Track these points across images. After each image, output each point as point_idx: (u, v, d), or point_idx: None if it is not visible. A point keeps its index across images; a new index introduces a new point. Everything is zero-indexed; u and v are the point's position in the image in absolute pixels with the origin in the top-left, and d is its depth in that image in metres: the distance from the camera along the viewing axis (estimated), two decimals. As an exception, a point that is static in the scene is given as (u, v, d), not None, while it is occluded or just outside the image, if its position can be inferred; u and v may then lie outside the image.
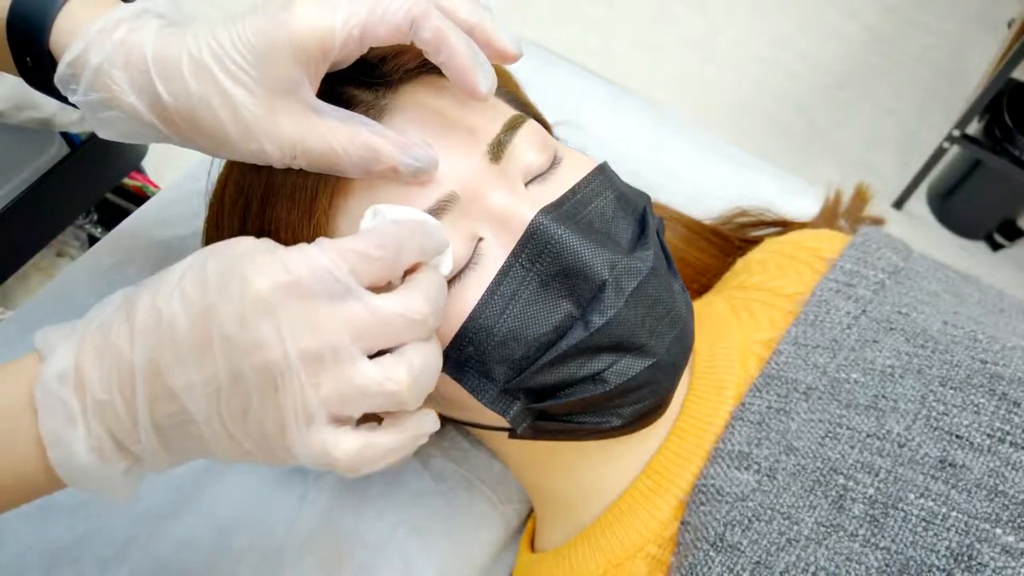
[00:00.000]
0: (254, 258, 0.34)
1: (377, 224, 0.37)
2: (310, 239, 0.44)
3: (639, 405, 0.46)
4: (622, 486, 0.52)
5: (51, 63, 0.42)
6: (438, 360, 0.37)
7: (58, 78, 0.41)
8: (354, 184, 0.44)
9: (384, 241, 0.35)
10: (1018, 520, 0.43)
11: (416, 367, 0.35)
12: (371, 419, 0.37)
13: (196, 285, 0.34)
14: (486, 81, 0.40)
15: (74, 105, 0.43)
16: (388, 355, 0.35)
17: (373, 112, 0.44)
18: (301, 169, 0.42)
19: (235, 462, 0.36)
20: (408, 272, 0.37)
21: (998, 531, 0.43)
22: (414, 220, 0.38)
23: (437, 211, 0.43)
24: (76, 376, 0.34)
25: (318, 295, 0.33)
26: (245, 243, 0.36)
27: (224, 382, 0.33)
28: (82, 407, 0.34)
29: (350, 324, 0.33)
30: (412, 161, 0.41)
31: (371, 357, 0.35)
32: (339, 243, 0.34)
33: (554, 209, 0.44)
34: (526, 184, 0.47)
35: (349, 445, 0.34)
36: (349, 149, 0.40)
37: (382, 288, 0.35)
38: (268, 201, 0.46)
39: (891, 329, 0.52)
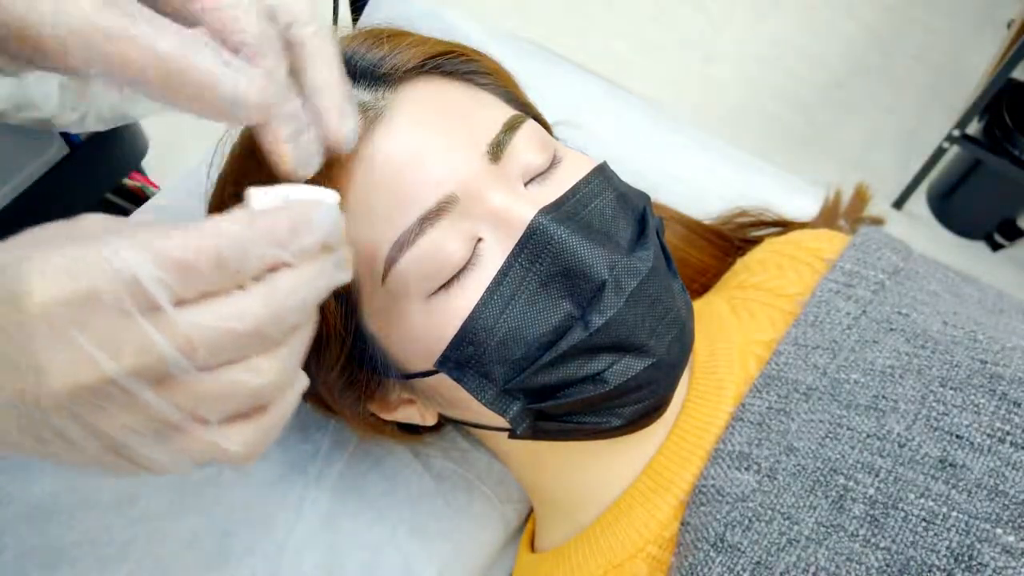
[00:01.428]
0: (48, 257, 0.27)
1: (223, 219, 0.29)
2: None
3: (639, 405, 0.46)
4: (622, 486, 0.52)
5: None
6: (295, 362, 0.31)
7: None
8: None
9: (214, 249, 0.28)
10: (1018, 520, 0.43)
11: (288, 357, 0.30)
12: None
13: None
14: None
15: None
16: (242, 360, 0.29)
17: (371, 114, 0.44)
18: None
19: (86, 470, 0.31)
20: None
21: (998, 531, 0.43)
22: (269, 213, 0.30)
23: (437, 212, 0.43)
24: None
25: (125, 310, 0.27)
26: (83, 221, 0.30)
27: (28, 407, 0.27)
28: None
29: (171, 340, 0.27)
30: (231, 79, 0.31)
31: None
32: (153, 245, 0.27)
33: (554, 209, 0.44)
34: (526, 184, 0.47)
35: (239, 438, 0.30)
36: (161, 50, 0.30)
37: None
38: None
39: (891, 330, 0.52)
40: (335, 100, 0.35)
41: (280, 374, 0.30)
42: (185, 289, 0.27)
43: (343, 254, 0.32)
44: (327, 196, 0.32)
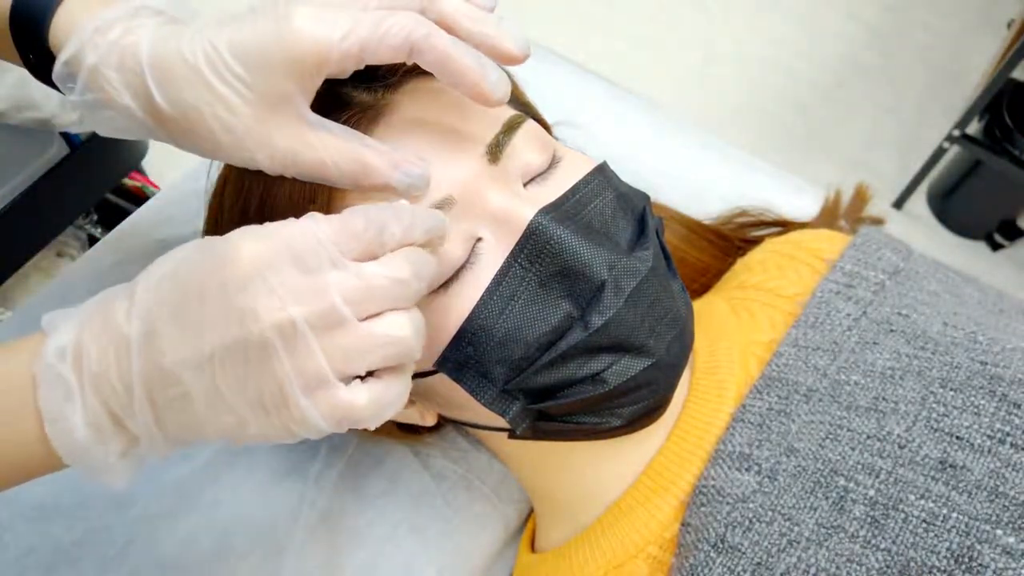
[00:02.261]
0: (244, 231, 0.35)
1: (369, 206, 0.37)
2: None
3: (638, 405, 0.46)
4: (622, 487, 0.52)
5: (53, 59, 0.42)
6: (423, 324, 0.38)
7: (56, 76, 0.41)
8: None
9: (368, 221, 0.36)
10: (1019, 521, 0.43)
11: (417, 320, 0.36)
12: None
13: (193, 258, 0.35)
14: (497, 90, 0.40)
15: None
16: (388, 312, 0.36)
17: (371, 113, 0.44)
18: None
19: (231, 441, 0.36)
20: None
21: (999, 532, 0.43)
22: (404, 206, 0.38)
23: None
24: (75, 352, 0.34)
25: (307, 263, 0.34)
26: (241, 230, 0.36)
27: (218, 355, 0.33)
28: (79, 383, 0.34)
29: (340, 288, 0.34)
30: (403, 177, 0.41)
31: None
32: (327, 217, 0.35)
33: (553, 209, 0.44)
34: (525, 184, 0.47)
35: (368, 395, 0.35)
36: (340, 163, 0.40)
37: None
38: (266, 203, 0.46)
39: (891, 331, 0.52)
40: (491, 27, 0.40)
41: (413, 332, 0.36)
42: (348, 250, 0.35)
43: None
44: (440, 214, 0.41)
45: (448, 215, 0.43)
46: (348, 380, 0.35)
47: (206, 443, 0.37)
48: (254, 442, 0.36)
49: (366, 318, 0.35)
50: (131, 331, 0.34)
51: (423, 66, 0.39)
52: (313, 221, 0.35)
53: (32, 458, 0.36)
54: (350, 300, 0.34)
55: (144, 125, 0.41)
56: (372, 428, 0.36)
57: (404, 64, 0.46)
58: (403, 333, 0.35)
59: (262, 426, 0.35)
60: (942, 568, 0.42)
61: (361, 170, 0.40)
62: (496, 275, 0.43)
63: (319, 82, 0.39)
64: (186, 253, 0.35)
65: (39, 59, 0.43)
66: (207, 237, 0.36)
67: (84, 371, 0.34)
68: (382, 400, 0.36)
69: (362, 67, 0.39)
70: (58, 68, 0.41)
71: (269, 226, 0.35)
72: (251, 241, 0.34)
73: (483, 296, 0.43)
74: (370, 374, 0.37)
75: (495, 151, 0.45)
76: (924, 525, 0.44)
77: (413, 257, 0.37)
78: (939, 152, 1.59)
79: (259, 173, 0.44)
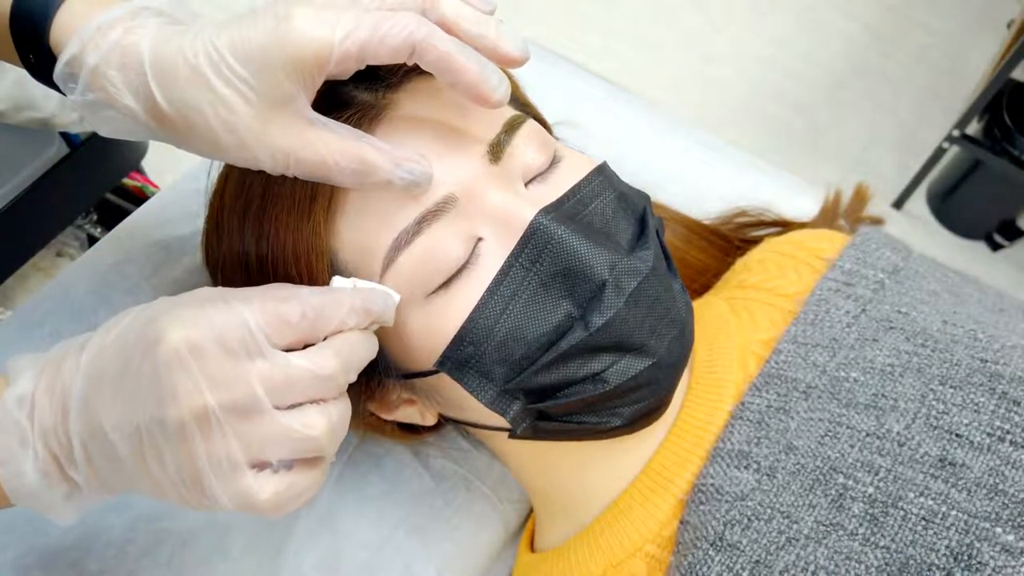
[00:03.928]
0: (180, 311, 0.36)
1: (311, 292, 0.38)
2: (309, 238, 0.45)
3: (639, 405, 0.46)
4: (621, 486, 0.52)
5: (54, 60, 0.42)
6: (348, 413, 0.39)
7: (57, 76, 0.41)
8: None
9: (305, 311, 0.37)
10: (1018, 519, 0.43)
11: (333, 416, 0.37)
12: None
13: (132, 332, 0.36)
14: (497, 92, 0.40)
15: None
16: (308, 405, 0.37)
17: (372, 113, 0.44)
18: None
19: (164, 501, 0.38)
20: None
21: (998, 530, 0.43)
22: (347, 293, 0.39)
23: (435, 212, 0.43)
24: (31, 401, 0.37)
25: (232, 350, 0.35)
26: (200, 292, 0.38)
27: (143, 428, 0.35)
28: (32, 431, 0.37)
29: (262, 378, 0.35)
30: (405, 175, 0.41)
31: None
32: (263, 305, 0.36)
33: (554, 209, 0.44)
34: (526, 184, 0.47)
35: (272, 488, 0.36)
36: (342, 162, 0.40)
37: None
38: (268, 201, 0.46)
39: (891, 328, 0.52)
40: (491, 30, 0.41)
41: (327, 430, 0.36)
42: (280, 339, 0.36)
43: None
44: (389, 291, 0.42)
45: (448, 215, 0.44)
46: (262, 467, 0.36)
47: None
48: (178, 505, 0.38)
49: (290, 406, 0.36)
50: (72, 390, 0.36)
51: (424, 67, 0.39)
52: (247, 308, 0.36)
53: None
54: (271, 389, 0.35)
55: (145, 125, 0.41)
56: (276, 517, 0.38)
57: (405, 64, 0.46)
58: (314, 432, 0.36)
59: (181, 497, 0.37)
60: (941, 566, 0.42)
61: (363, 168, 0.40)
62: (497, 275, 0.44)
63: (320, 82, 0.39)
64: (128, 323, 0.37)
65: (39, 60, 0.43)
66: (146, 311, 0.37)
67: (35, 421, 0.37)
68: (285, 494, 0.36)
69: (363, 67, 0.39)
70: (59, 68, 0.41)
71: (203, 309, 0.36)
72: (180, 326, 0.35)
73: (484, 296, 0.43)
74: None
75: (496, 151, 0.45)
76: (923, 523, 0.44)
77: (343, 348, 0.37)
78: (939, 152, 1.59)
79: (261, 172, 0.44)
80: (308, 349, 0.37)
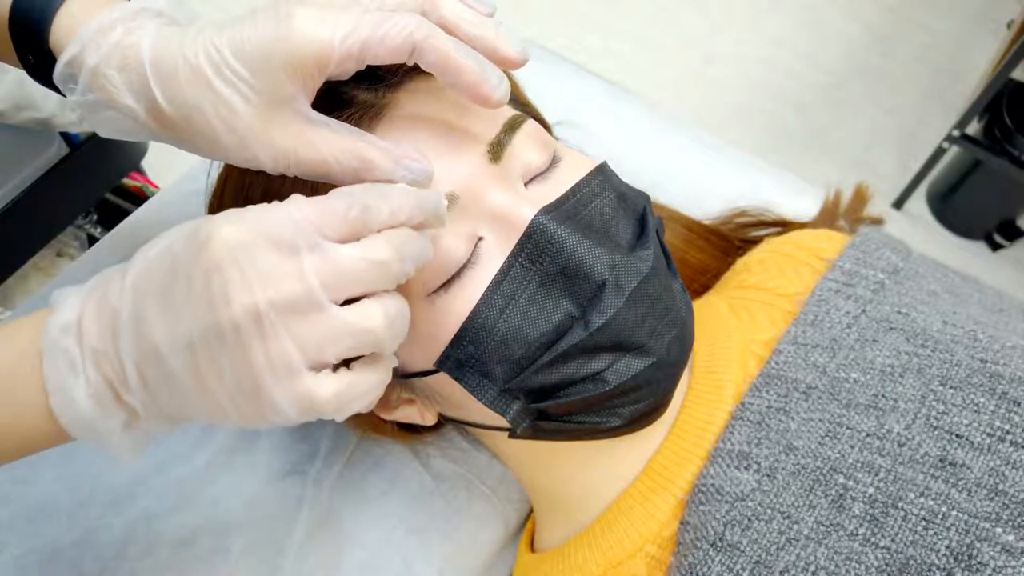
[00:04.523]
0: (225, 214, 0.35)
1: (357, 186, 0.37)
2: None
3: (638, 405, 0.46)
4: (621, 486, 0.52)
5: (53, 60, 0.42)
6: (407, 311, 0.38)
7: (56, 77, 0.41)
8: None
9: (352, 201, 0.36)
10: (1018, 519, 0.43)
11: (391, 309, 0.36)
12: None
13: (178, 240, 0.35)
14: (497, 92, 0.40)
15: None
16: (363, 300, 0.35)
17: (372, 112, 0.44)
18: None
19: (219, 423, 0.36)
20: None
21: (998, 530, 0.43)
22: (397, 187, 0.38)
23: None
24: (78, 327, 0.35)
25: (282, 247, 0.34)
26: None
27: (196, 337, 0.34)
28: (82, 356, 0.35)
29: (316, 272, 0.34)
30: (405, 173, 0.41)
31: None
32: (311, 199, 0.35)
33: (554, 209, 0.44)
34: (526, 184, 0.47)
35: (333, 387, 0.35)
36: (342, 160, 0.40)
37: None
38: (267, 201, 0.46)
39: (891, 329, 0.52)
40: (490, 31, 0.41)
41: (385, 322, 0.35)
42: (332, 231, 0.35)
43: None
44: (440, 194, 0.40)
45: (449, 214, 0.43)
46: (321, 367, 0.35)
47: (205, 423, 0.37)
48: (238, 426, 0.37)
49: (347, 302, 0.35)
50: (122, 310, 0.35)
51: (424, 67, 0.39)
52: (294, 204, 0.35)
53: (37, 430, 0.36)
54: (325, 283, 0.34)
55: (145, 126, 0.41)
56: (338, 420, 0.37)
57: (405, 64, 0.46)
58: (371, 324, 0.35)
59: (240, 410, 0.35)
60: (941, 566, 0.42)
61: (363, 167, 0.40)
62: (497, 274, 0.43)
63: (320, 82, 0.39)
64: (174, 235, 0.36)
65: (39, 61, 0.43)
66: (197, 218, 0.36)
67: (85, 346, 0.35)
68: (346, 394, 0.35)
69: (363, 67, 0.39)
70: (59, 69, 0.41)
71: (250, 209, 0.35)
72: (228, 224, 0.34)
73: (484, 295, 0.43)
74: (349, 363, 0.36)
75: (496, 150, 0.45)
76: (924, 523, 0.44)
77: (396, 238, 0.36)
78: (939, 152, 1.59)
79: (260, 172, 0.44)
80: (360, 240, 0.36)
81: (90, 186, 0.87)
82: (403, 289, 0.44)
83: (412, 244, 0.37)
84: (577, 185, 0.46)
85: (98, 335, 0.35)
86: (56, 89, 0.43)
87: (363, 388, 0.36)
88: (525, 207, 0.44)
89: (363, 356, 0.37)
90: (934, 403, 0.48)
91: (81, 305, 0.36)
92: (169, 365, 0.34)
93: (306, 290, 0.33)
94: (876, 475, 0.46)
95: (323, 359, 0.35)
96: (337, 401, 0.35)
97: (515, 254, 0.43)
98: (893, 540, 0.44)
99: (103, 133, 0.43)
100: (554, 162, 0.48)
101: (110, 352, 0.35)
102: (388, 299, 0.36)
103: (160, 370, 0.35)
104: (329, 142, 0.40)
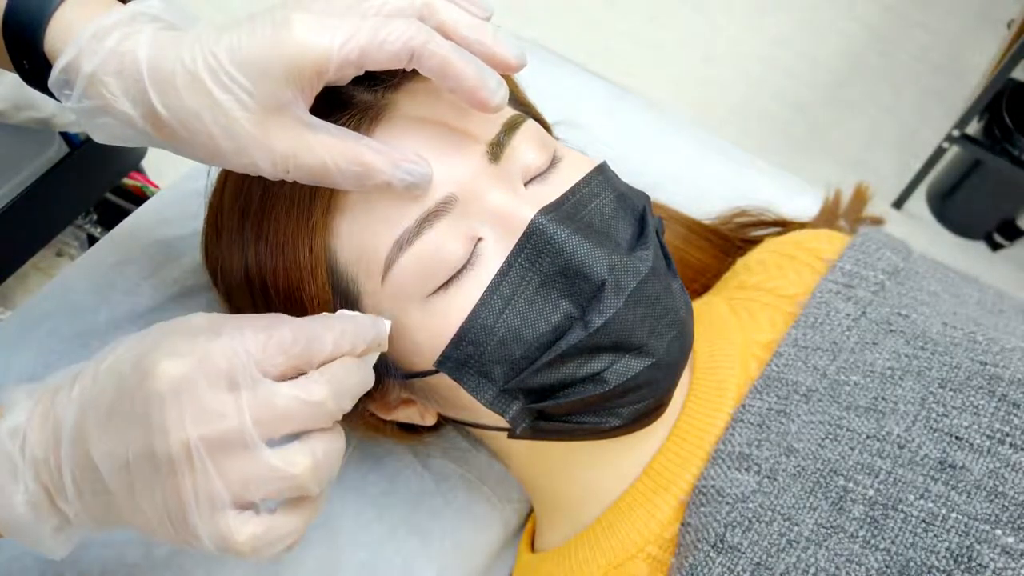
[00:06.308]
0: (173, 343, 0.35)
1: (298, 321, 0.38)
2: (309, 238, 0.44)
3: (638, 405, 0.46)
4: (622, 487, 0.52)
5: (48, 65, 0.42)
6: (340, 448, 0.38)
7: (52, 83, 0.41)
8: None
9: (296, 334, 0.36)
10: (1018, 521, 0.43)
11: (319, 453, 0.36)
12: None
13: (125, 364, 0.36)
14: (495, 96, 0.40)
15: None
16: (294, 442, 0.36)
17: (372, 113, 0.44)
18: None
19: (148, 538, 0.38)
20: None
21: (998, 532, 0.43)
22: (339, 317, 0.39)
23: (436, 212, 0.43)
24: (23, 433, 0.37)
25: (220, 384, 0.34)
26: (193, 320, 0.37)
27: (131, 461, 0.35)
28: (24, 463, 0.36)
29: (250, 410, 0.34)
30: (405, 176, 0.41)
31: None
32: (255, 330, 0.36)
33: (554, 209, 0.44)
34: (525, 184, 0.47)
35: (250, 531, 0.35)
36: (341, 164, 0.40)
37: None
38: (267, 201, 0.46)
39: (891, 331, 0.52)
40: (488, 36, 0.41)
41: (311, 467, 0.36)
42: (272, 367, 0.36)
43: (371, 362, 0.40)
44: (379, 318, 0.42)
45: (449, 215, 0.43)
46: (246, 506, 0.35)
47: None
48: (168, 544, 0.38)
49: (284, 438, 0.35)
50: (65, 421, 0.36)
51: (423, 72, 0.39)
52: (239, 336, 0.35)
53: None
54: (258, 421, 0.34)
55: (142, 132, 0.41)
56: (254, 561, 0.37)
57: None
58: (296, 470, 0.35)
59: (168, 534, 0.36)
60: (941, 568, 0.42)
61: (362, 170, 0.40)
62: (496, 275, 0.43)
63: (319, 88, 0.39)
64: (120, 354, 0.37)
65: (33, 66, 0.42)
66: (140, 342, 0.37)
67: (27, 454, 0.36)
68: (263, 538, 0.35)
69: (361, 73, 0.39)
70: (55, 75, 0.41)
71: (195, 341, 0.35)
72: (171, 359, 0.35)
73: (483, 296, 0.43)
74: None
75: (496, 151, 0.45)
76: (923, 525, 0.44)
77: (334, 376, 0.37)
78: (939, 152, 1.59)
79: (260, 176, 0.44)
80: (297, 379, 0.36)
81: (90, 186, 0.87)
82: (401, 292, 0.44)
83: (351, 379, 0.37)
84: (577, 185, 0.46)
85: (41, 444, 0.37)
86: (51, 94, 0.43)
87: (281, 532, 0.36)
88: (524, 207, 0.44)
89: (288, 499, 0.37)
90: (934, 405, 0.48)
91: (30, 411, 0.37)
92: (104, 481, 0.36)
93: (238, 428, 0.34)
94: (876, 477, 0.46)
95: (248, 498, 0.35)
96: (252, 544, 0.35)
97: (514, 254, 0.43)
98: (893, 542, 0.44)
99: (99, 139, 0.43)
100: (554, 162, 0.48)
101: (50, 461, 0.37)
102: (317, 441, 0.36)
103: (95, 484, 0.36)
104: (328, 146, 0.40)
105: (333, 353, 0.37)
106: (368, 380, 0.39)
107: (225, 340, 0.35)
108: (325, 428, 0.37)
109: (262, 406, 0.35)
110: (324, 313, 0.41)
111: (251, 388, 0.35)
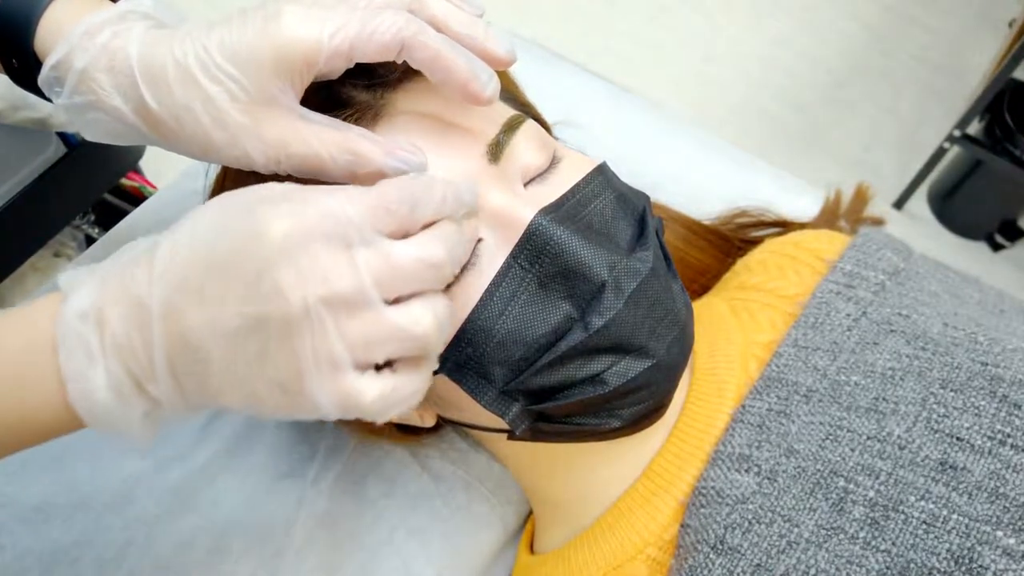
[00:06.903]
0: (274, 204, 0.34)
1: (402, 179, 0.37)
2: None
3: (638, 407, 0.46)
4: (622, 488, 0.52)
5: (37, 64, 0.42)
6: (454, 311, 0.37)
7: (42, 80, 0.41)
8: None
9: (402, 195, 0.35)
10: (1019, 522, 0.43)
11: (440, 312, 0.35)
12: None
13: (216, 229, 0.34)
14: (487, 89, 0.40)
15: None
16: (413, 299, 0.35)
17: (370, 113, 0.44)
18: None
19: (247, 412, 0.36)
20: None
21: (999, 533, 0.43)
22: (439, 179, 0.38)
23: None
24: (96, 315, 0.34)
25: (336, 241, 0.33)
26: (268, 188, 0.35)
27: (241, 326, 0.33)
28: (102, 345, 0.34)
29: (369, 270, 0.33)
30: (398, 164, 0.40)
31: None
32: (361, 190, 0.35)
33: (553, 210, 0.44)
34: (525, 184, 0.47)
35: (378, 389, 0.34)
36: (333, 152, 0.39)
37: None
38: None
39: (891, 331, 0.52)
40: (479, 30, 0.41)
41: (435, 326, 0.35)
42: (382, 226, 0.34)
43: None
44: (474, 184, 0.40)
45: None
46: (366, 367, 0.34)
47: (229, 409, 0.36)
48: (271, 417, 0.36)
49: (395, 300, 0.34)
50: (152, 299, 0.34)
51: (413, 64, 0.39)
52: (346, 196, 0.34)
53: (52, 419, 0.35)
54: (378, 281, 0.33)
55: (134, 127, 0.41)
56: (378, 422, 0.36)
57: (402, 63, 0.45)
58: (421, 329, 0.34)
59: (276, 403, 0.35)
60: (942, 570, 0.42)
61: (354, 159, 0.40)
62: (496, 276, 0.43)
63: (309, 80, 0.39)
64: (210, 220, 0.35)
65: (22, 64, 0.42)
66: (228, 201, 0.35)
67: (106, 335, 0.34)
68: (390, 397, 0.35)
69: (352, 65, 0.39)
70: (45, 72, 0.41)
71: (303, 197, 0.34)
72: (281, 218, 0.33)
73: (483, 297, 0.43)
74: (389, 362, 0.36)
75: (495, 151, 0.45)
76: (924, 526, 0.44)
77: (448, 236, 0.36)
78: (939, 152, 1.59)
79: (254, 172, 0.44)
80: (413, 237, 0.35)
81: (88, 186, 0.87)
82: None
83: (460, 247, 0.37)
84: (577, 186, 0.46)
85: (121, 325, 0.34)
86: (40, 93, 0.43)
87: (407, 392, 0.35)
88: (524, 208, 0.44)
89: (407, 358, 0.36)
90: (935, 406, 0.48)
91: (99, 292, 0.34)
92: (207, 353, 0.34)
93: (359, 288, 0.33)
94: (876, 478, 0.46)
95: (370, 359, 0.34)
96: (382, 403, 0.34)
97: (514, 255, 0.43)
98: (894, 544, 0.43)
99: (90, 136, 0.43)
100: (554, 162, 0.48)
101: (136, 343, 0.34)
102: (438, 301, 0.35)
103: (195, 358, 0.34)
104: (320, 136, 0.39)
105: (436, 214, 0.36)
106: (469, 245, 0.38)
107: (335, 198, 0.34)
108: (437, 290, 0.36)
109: (381, 265, 0.33)
110: (417, 173, 0.39)
111: (368, 247, 0.33)
